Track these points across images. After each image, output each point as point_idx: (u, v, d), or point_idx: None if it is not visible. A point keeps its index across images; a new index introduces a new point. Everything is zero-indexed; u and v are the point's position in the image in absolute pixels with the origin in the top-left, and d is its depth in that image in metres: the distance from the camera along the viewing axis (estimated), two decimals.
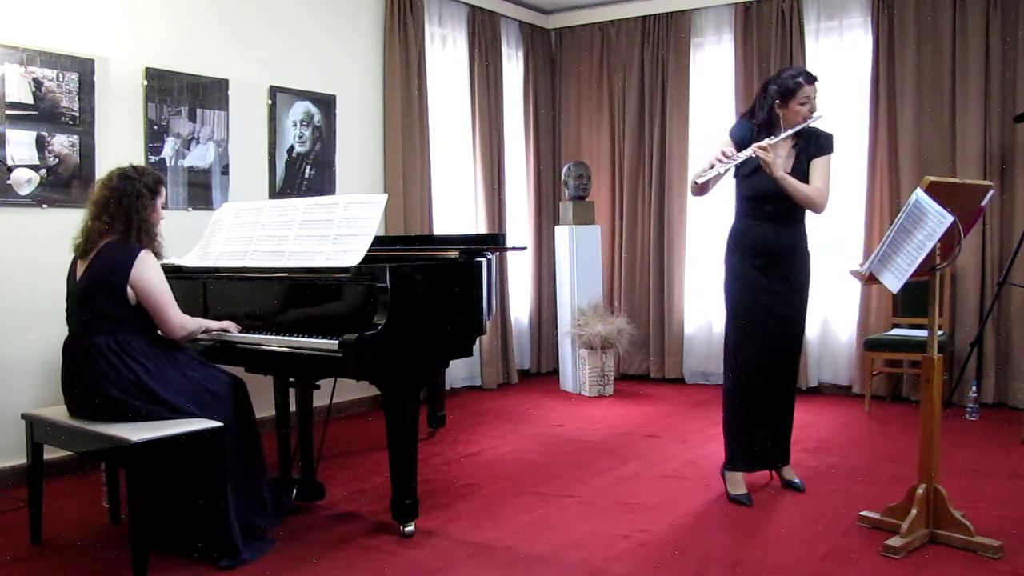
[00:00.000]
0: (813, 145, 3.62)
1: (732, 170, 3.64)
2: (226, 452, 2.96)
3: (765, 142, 3.48)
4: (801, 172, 3.61)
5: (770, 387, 3.68)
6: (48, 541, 3.21)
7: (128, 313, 2.98)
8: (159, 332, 3.11)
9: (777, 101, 3.57)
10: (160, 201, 3.13)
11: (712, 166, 3.52)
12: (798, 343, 3.79)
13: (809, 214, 3.68)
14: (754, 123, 3.66)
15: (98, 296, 2.97)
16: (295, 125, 5.15)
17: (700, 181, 3.57)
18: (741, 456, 3.70)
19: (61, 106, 4.03)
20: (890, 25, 5.62)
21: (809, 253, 3.74)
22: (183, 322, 3.10)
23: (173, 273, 3.56)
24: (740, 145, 3.59)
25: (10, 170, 3.56)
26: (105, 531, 3.35)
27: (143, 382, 2.93)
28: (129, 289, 2.97)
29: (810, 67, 5.82)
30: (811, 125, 3.56)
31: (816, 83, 3.58)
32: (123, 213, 3.01)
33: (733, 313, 3.70)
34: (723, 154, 3.50)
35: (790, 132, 3.53)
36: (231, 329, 3.31)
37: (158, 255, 3.09)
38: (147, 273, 2.99)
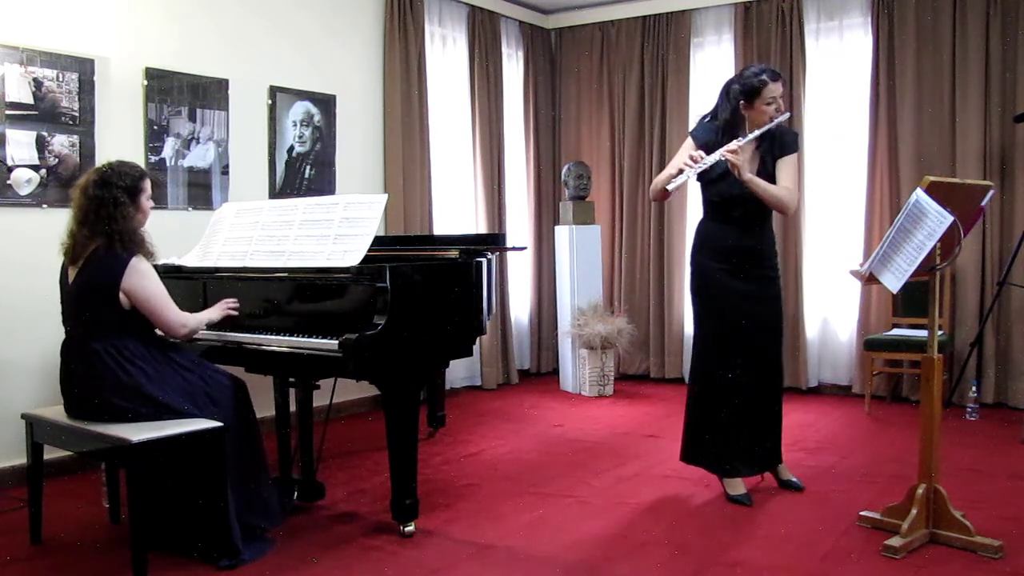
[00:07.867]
0: (778, 145, 3.52)
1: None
2: (226, 452, 2.96)
3: (733, 144, 3.38)
4: (767, 174, 3.52)
5: (756, 389, 3.62)
6: (48, 541, 3.21)
7: (123, 318, 2.96)
8: (159, 333, 3.11)
9: (742, 102, 3.46)
10: (144, 197, 3.05)
11: (681, 171, 3.40)
12: (778, 341, 3.71)
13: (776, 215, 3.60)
14: (717, 124, 3.57)
15: (91, 303, 2.95)
16: (295, 125, 5.15)
17: (671, 188, 3.43)
18: (735, 457, 3.62)
19: (61, 106, 4.03)
20: (890, 25, 5.61)
21: (776, 253, 3.68)
22: (183, 319, 3.08)
23: (173, 273, 3.57)
24: (705, 149, 3.47)
25: (10, 170, 3.56)
26: (105, 531, 3.35)
27: (142, 387, 2.92)
28: (122, 295, 2.94)
29: (810, 67, 5.88)
30: (776, 124, 3.45)
31: (781, 81, 3.47)
32: (103, 225, 2.94)
33: (708, 319, 3.64)
34: (691, 159, 3.39)
35: (758, 133, 3.43)
36: (232, 305, 3.29)
37: (150, 256, 3.02)
38: (140, 280, 2.95)
